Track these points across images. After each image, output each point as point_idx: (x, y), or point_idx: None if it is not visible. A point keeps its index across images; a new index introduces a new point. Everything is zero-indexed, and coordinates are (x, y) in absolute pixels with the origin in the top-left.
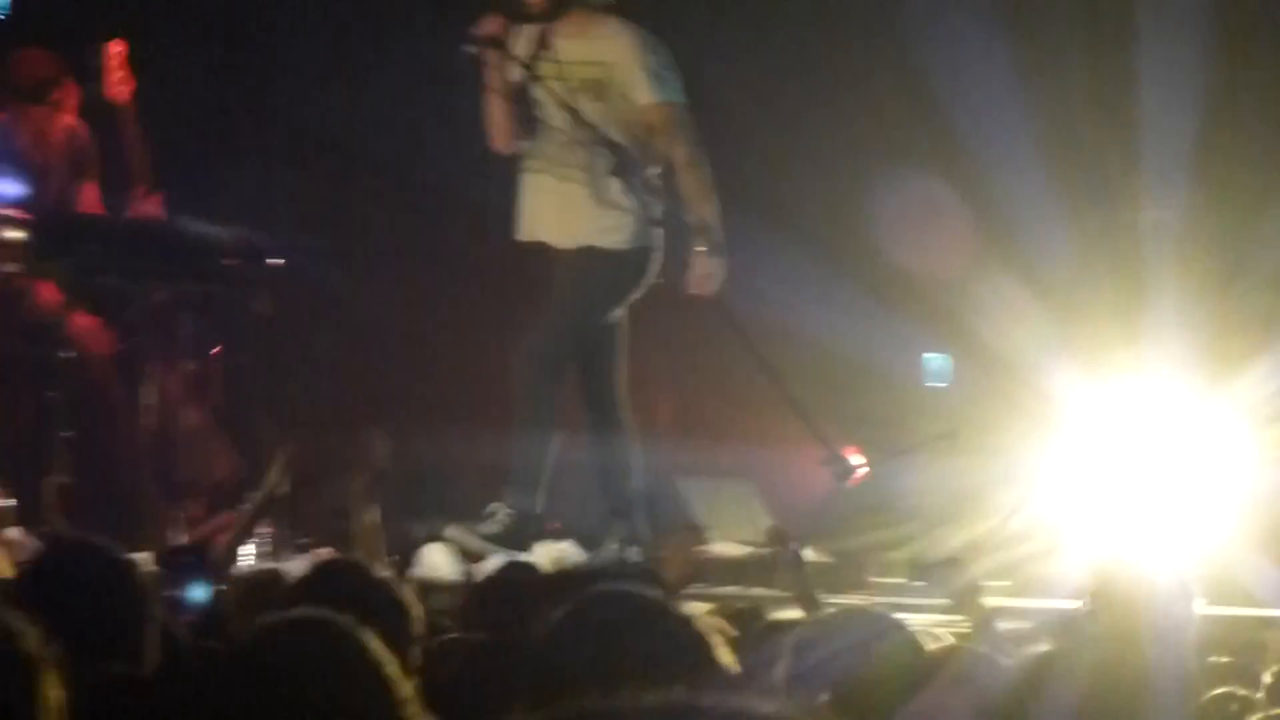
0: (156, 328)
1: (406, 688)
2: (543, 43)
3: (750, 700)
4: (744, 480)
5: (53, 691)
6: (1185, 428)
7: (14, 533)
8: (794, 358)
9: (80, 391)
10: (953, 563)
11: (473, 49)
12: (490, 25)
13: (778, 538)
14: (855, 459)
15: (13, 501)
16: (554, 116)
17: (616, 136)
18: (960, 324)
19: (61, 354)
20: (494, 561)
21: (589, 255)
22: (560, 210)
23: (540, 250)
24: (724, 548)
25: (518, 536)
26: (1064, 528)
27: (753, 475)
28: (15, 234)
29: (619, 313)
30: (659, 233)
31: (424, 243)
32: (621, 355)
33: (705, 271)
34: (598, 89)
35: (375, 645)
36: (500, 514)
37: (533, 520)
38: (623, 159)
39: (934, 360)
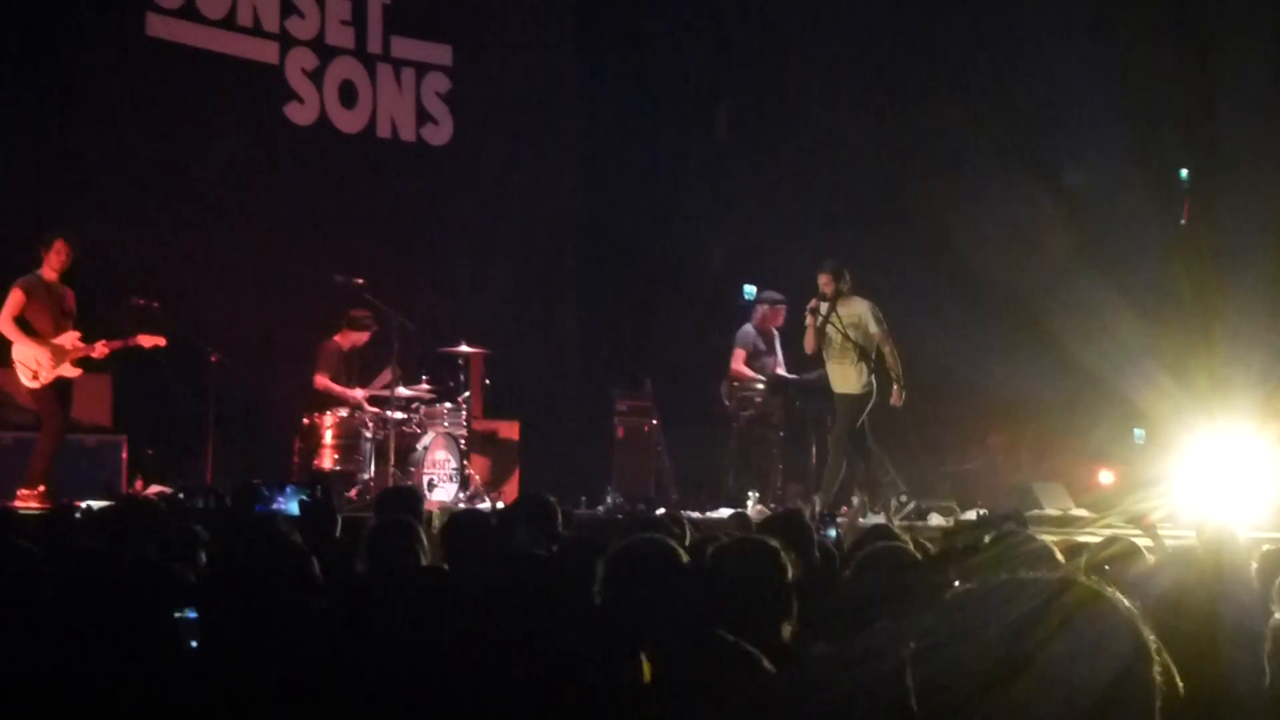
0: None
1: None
2: (832, 309)
3: (1065, 578)
4: (1056, 482)
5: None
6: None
7: (759, 506)
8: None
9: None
10: (1141, 514)
11: (807, 318)
12: (812, 304)
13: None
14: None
15: (757, 493)
16: (835, 338)
17: (862, 344)
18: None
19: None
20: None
21: (849, 396)
22: (838, 377)
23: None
24: (1078, 512)
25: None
26: (1186, 500)
27: (1059, 479)
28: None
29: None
30: (874, 382)
31: None
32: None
33: (899, 397)
34: (855, 327)
35: (916, 552)
36: (910, 505)
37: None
38: (864, 352)
39: (1138, 431)
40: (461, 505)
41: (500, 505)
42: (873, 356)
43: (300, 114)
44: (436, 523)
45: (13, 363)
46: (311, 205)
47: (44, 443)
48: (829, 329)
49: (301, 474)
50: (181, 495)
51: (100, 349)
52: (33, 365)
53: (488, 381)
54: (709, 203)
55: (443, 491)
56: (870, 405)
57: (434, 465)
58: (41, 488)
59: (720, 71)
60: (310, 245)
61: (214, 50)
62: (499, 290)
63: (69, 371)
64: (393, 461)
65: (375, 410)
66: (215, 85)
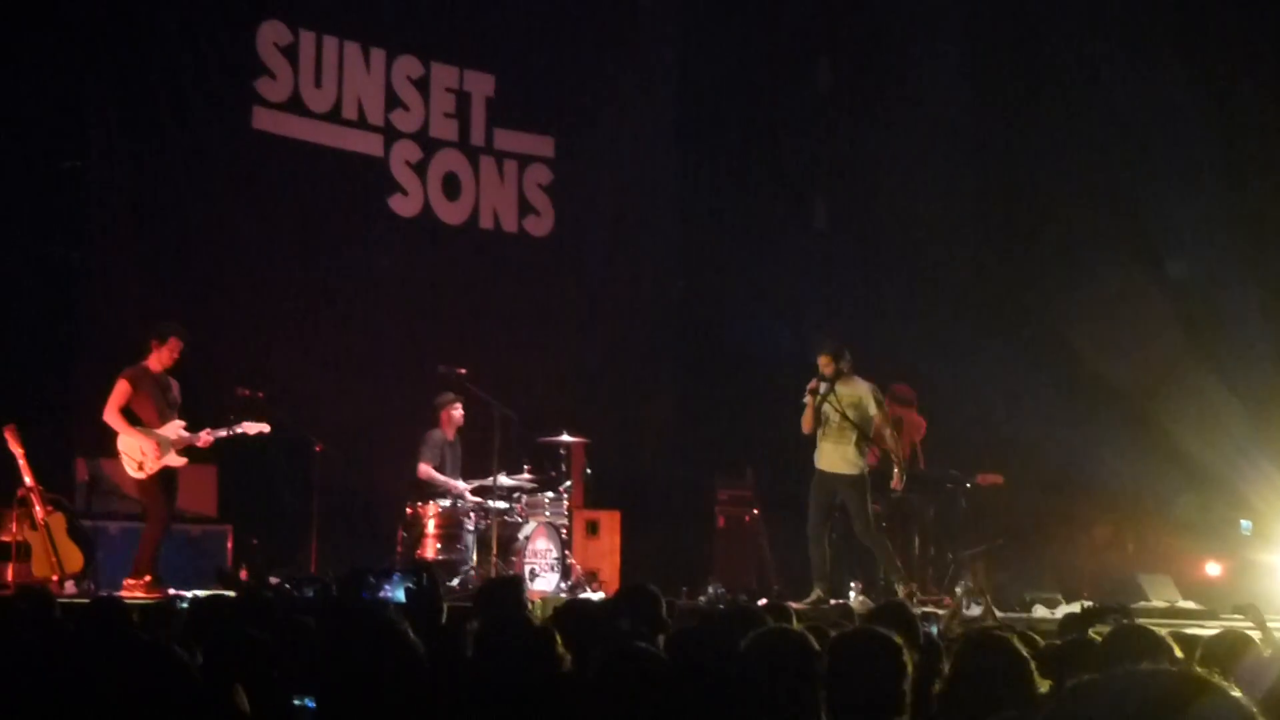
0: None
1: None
2: (832, 389)
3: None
4: (1163, 574)
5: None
6: None
7: (862, 597)
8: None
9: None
10: (1250, 605)
11: (806, 397)
12: (812, 385)
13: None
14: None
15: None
16: (833, 417)
17: (861, 425)
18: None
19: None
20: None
21: (846, 478)
22: (834, 457)
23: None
24: (1186, 603)
25: None
26: None
27: (1166, 570)
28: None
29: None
30: (866, 465)
31: None
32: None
33: (899, 481)
34: (854, 409)
35: (1019, 646)
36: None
37: None
38: (862, 433)
39: (1245, 522)
40: (563, 595)
41: (601, 595)
42: (870, 438)
43: (404, 206)
44: (539, 612)
45: (118, 453)
46: (415, 296)
47: (150, 533)
48: (827, 409)
49: (405, 563)
50: (289, 585)
51: (205, 438)
52: (138, 456)
53: (589, 471)
54: (808, 293)
55: (544, 581)
56: (867, 487)
57: (535, 555)
58: (148, 577)
59: (819, 162)
60: (413, 335)
61: (319, 143)
62: (600, 379)
63: (174, 461)
64: (495, 551)
65: (477, 500)
66: (320, 177)
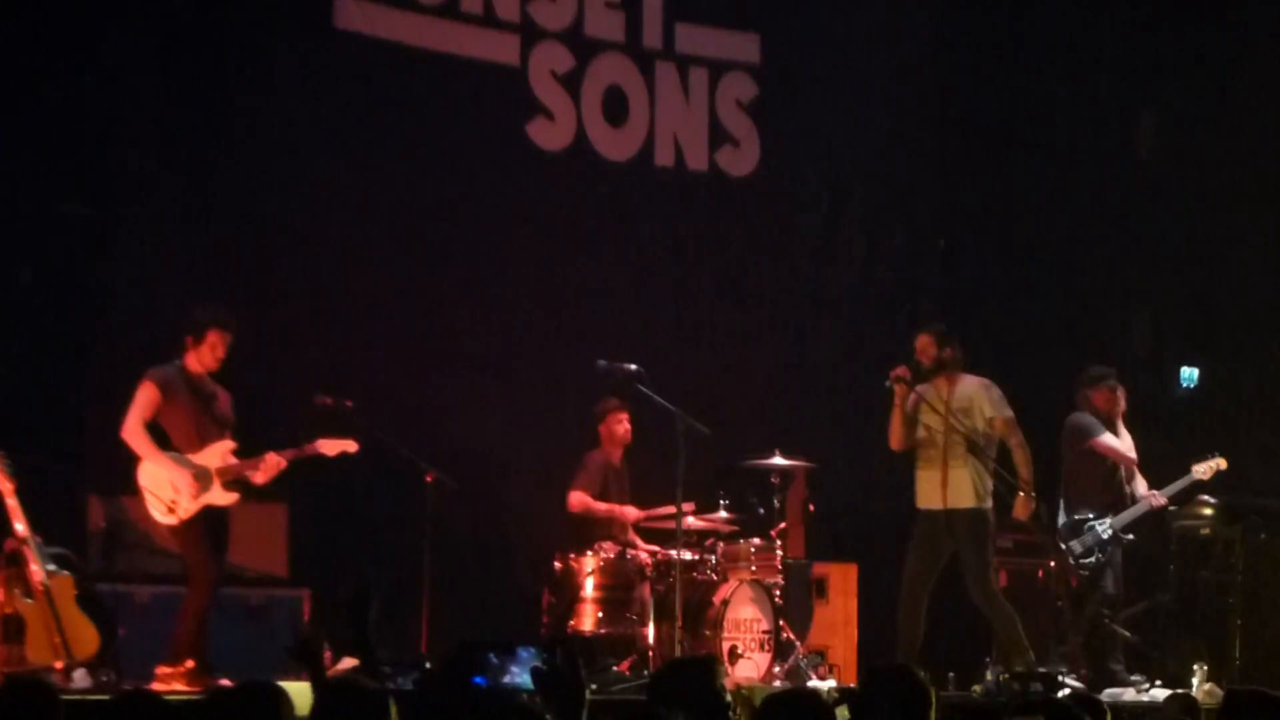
0: None
1: None
2: (934, 388)
3: None
4: None
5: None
6: None
7: (1209, 685)
8: None
9: None
10: None
11: (890, 384)
12: (901, 371)
13: None
14: None
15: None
16: (935, 428)
17: (974, 438)
18: None
19: None
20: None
21: (974, 514)
22: (944, 486)
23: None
24: None
25: None
26: None
27: None
28: None
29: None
30: (991, 493)
31: None
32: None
33: (1026, 508)
34: (965, 412)
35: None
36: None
37: None
38: (977, 446)
39: None
40: (778, 683)
41: (831, 683)
42: (992, 455)
43: (549, 135)
44: (741, 710)
45: (140, 489)
46: (563, 262)
47: (192, 600)
48: (927, 418)
49: (550, 638)
50: (389, 670)
51: (268, 464)
52: (167, 493)
53: (812, 508)
54: (1129, 249)
55: (750, 664)
56: (989, 532)
57: (737, 626)
58: (189, 663)
59: (1142, 65)
60: (561, 319)
61: (429, 48)
62: (825, 379)
63: (221, 498)
64: (679, 621)
65: (653, 548)
66: (431, 97)
